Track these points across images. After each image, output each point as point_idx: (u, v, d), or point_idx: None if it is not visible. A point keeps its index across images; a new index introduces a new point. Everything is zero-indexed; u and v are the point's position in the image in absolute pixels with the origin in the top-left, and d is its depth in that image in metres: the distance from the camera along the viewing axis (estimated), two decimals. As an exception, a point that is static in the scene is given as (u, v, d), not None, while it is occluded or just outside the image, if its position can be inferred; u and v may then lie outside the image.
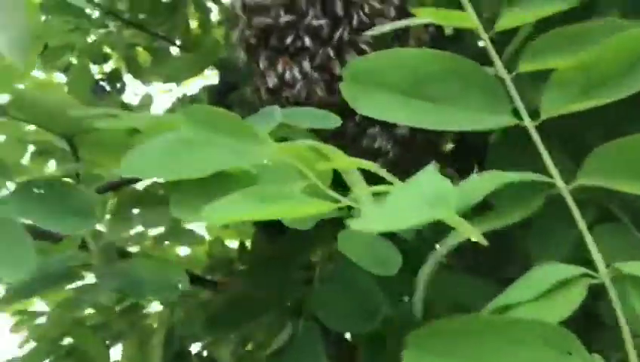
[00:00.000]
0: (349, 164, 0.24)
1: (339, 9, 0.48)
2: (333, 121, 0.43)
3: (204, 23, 0.90)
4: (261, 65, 0.49)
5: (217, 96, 0.72)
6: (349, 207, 0.24)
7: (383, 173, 0.23)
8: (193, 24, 0.96)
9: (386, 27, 0.35)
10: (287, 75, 0.47)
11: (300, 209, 0.21)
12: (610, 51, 0.29)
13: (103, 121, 0.31)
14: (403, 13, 0.50)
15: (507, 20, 0.35)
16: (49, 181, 0.30)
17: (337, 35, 0.48)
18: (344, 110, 0.41)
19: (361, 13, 0.49)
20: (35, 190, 0.31)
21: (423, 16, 0.35)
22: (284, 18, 0.47)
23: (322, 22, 0.48)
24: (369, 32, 0.36)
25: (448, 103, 0.30)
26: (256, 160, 0.27)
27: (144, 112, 0.33)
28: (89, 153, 0.38)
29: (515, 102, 0.31)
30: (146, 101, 1.02)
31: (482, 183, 0.26)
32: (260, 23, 0.48)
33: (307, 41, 0.47)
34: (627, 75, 0.29)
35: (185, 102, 0.82)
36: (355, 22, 0.49)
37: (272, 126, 0.41)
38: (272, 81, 0.48)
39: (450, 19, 0.34)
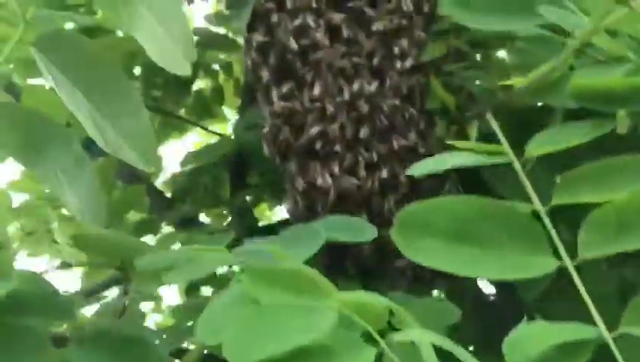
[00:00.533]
0: (424, 338, 0.26)
1: (364, 109, 0.51)
2: (370, 234, 0.45)
3: (217, 90, 0.92)
4: (293, 170, 0.51)
5: (236, 174, 0.74)
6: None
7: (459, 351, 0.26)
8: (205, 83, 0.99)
9: (425, 169, 0.37)
10: (320, 181, 0.50)
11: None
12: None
13: (173, 275, 0.33)
14: (423, 111, 0.53)
15: (535, 150, 0.38)
16: (121, 333, 0.32)
17: (362, 135, 0.51)
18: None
19: (381, 115, 0.51)
20: (107, 341, 0.33)
21: (462, 148, 0.37)
22: (319, 127, 0.50)
23: (348, 124, 0.51)
24: (411, 172, 0.38)
25: (491, 247, 0.33)
26: (324, 320, 0.29)
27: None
28: (142, 284, 0.39)
29: (554, 241, 0.33)
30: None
31: (537, 339, 0.28)
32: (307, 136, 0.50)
33: (337, 146, 0.50)
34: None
35: (201, 171, 0.84)
36: (377, 122, 0.51)
37: (318, 247, 0.43)
38: (301, 185, 0.51)
39: (488, 152, 0.37)
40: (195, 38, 0.98)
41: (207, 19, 0.98)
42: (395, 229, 0.33)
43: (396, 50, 0.52)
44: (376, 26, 0.52)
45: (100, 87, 0.31)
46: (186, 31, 0.30)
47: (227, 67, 0.91)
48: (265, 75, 0.53)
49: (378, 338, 0.28)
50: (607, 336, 0.29)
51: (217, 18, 0.93)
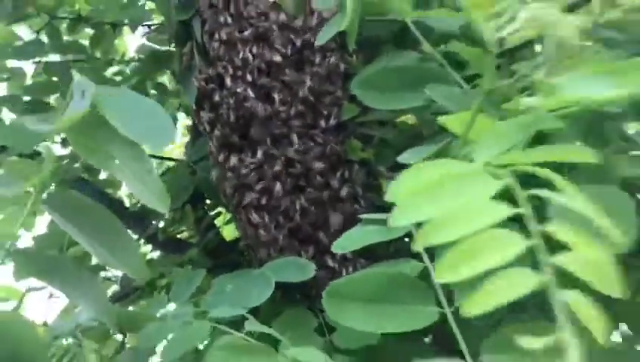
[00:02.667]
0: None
1: (298, 169, 0.62)
2: (309, 272, 0.58)
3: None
4: (243, 221, 0.63)
5: (197, 199, 0.85)
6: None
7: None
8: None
9: (345, 247, 0.49)
10: (266, 236, 0.62)
11: None
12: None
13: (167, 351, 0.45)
14: (345, 162, 0.64)
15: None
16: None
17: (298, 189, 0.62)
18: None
19: (312, 173, 0.62)
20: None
21: (370, 219, 0.50)
22: (262, 185, 0.61)
23: (287, 181, 0.62)
24: (336, 249, 0.50)
25: (396, 304, 0.46)
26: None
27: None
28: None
29: (439, 296, 0.47)
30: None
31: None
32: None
33: (281, 201, 0.62)
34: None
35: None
36: (311, 177, 0.63)
37: (270, 292, 0.55)
38: (252, 238, 0.63)
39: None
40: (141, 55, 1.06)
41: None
42: (325, 300, 0.46)
43: (323, 110, 0.63)
44: (303, 92, 0.63)
45: (97, 229, 0.42)
46: (156, 185, 0.41)
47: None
48: (212, 144, 0.64)
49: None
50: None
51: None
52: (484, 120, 0.40)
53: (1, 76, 0.98)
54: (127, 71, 1.08)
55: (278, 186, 0.62)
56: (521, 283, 0.26)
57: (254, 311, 0.56)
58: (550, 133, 0.46)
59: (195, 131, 0.87)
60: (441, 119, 0.42)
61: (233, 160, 0.63)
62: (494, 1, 0.33)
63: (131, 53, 1.16)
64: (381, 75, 0.57)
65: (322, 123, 0.63)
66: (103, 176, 1.11)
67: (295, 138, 0.62)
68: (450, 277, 0.28)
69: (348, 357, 0.56)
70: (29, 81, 1.03)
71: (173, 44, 0.68)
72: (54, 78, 1.01)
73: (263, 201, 0.62)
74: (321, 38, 0.60)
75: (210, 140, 0.64)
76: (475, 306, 0.27)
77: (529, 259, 0.27)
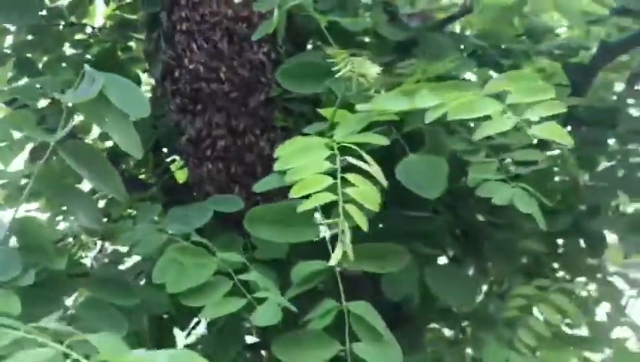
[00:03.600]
0: (254, 276, 0.64)
1: (239, 128, 0.84)
2: (238, 206, 0.81)
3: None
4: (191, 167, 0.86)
5: (156, 148, 1.06)
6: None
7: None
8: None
9: (264, 187, 0.73)
10: (207, 175, 0.85)
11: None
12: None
13: (138, 249, 0.68)
14: (272, 128, 0.87)
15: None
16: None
17: (236, 144, 0.85)
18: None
19: (247, 133, 0.85)
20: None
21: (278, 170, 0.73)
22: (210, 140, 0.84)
23: (228, 138, 0.84)
24: (257, 189, 0.73)
25: (292, 225, 0.69)
26: (210, 270, 0.65)
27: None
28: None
29: (318, 220, 0.71)
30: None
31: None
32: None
33: (222, 153, 0.84)
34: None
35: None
36: (246, 137, 0.85)
37: (207, 218, 0.78)
38: (197, 177, 0.85)
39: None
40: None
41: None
42: (246, 221, 0.69)
43: (256, 88, 0.85)
44: (242, 73, 0.85)
45: (93, 165, 0.63)
46: (134, 139, 0.62)
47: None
48: (173, 108, 0.85)
49: (235, 277, 0.65)
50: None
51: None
52: (343, 113, 0.63)
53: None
54: (98, 34, 1.26)
55: (220, 142, 0.84)
56: (326, 197, 0.51)
57: (199, 235, 0.79)
58: (404, 120, 0.70)
59: (157, 92, 1.07)
60: (320, 111, 0.65)
61: (188, 121, 0.84)
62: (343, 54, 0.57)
63: (99, 17, 1.33)
64: (296, 67, 0.80)
65: (256, 97, 0.85)
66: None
67: (234, 108, 0.84)
68: (298, 194, 0.52)
69: (264, 265, 0.80)
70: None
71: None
72: (30, 37, 1.19)
73: (208, 153, 0.84)
74: (257, 35, 0.82)
75: (172, 105, 0.86)
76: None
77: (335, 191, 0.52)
